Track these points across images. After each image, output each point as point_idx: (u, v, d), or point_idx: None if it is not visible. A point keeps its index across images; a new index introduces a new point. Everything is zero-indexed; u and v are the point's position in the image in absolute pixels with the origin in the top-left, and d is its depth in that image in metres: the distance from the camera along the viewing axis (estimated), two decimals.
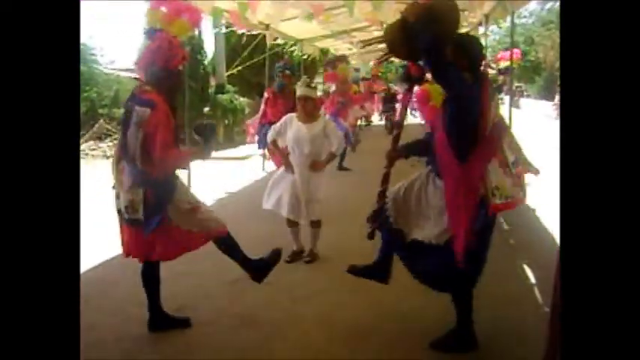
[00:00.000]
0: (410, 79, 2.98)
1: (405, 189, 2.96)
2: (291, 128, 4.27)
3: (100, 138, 13.12)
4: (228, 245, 3.16)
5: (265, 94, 6.73)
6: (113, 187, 3.03)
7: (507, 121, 5.91)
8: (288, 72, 6.32)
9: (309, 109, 4.28)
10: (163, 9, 3.14)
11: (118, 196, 2.96)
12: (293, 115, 4.40)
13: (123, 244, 3.03)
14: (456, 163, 2.65)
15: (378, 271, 3.13)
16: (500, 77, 7.34)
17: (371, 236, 3.03)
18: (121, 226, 3.02)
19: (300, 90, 4.33)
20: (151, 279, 3.10)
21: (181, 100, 5.47)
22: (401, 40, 2.77)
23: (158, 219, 2.85)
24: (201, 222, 3.02)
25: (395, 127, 3.04)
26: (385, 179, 2.98)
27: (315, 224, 4.38)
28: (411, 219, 2.91)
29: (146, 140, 2.75)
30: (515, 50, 6.31)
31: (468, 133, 2.63)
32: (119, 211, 2.96)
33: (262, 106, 6.70)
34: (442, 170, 2.76)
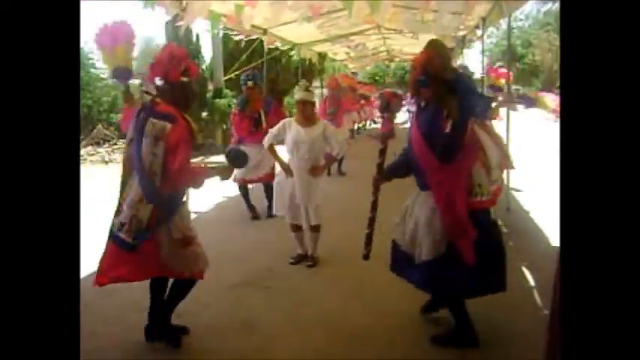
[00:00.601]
0: (389, 109, 3.04)
1: (402, 223, 3.04)
2: (290, 132, 4.27)
3: (98, 143, 13.11)
4: (183, 288, 3.02)
5: (233, 111, 6.41)
6: None
7: (505, 123, 5.95)
8: (250, 83, 5.95)
9: (308, 113, 4.28)
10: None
11: (117, 213, 2.82)
12: (291, 118, 4.40)
13: (102, 270, 2.80)
14: (439, 166, 2.73)
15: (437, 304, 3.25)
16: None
17: (366, 257, 3.06)
18: (106, 249, 2.82)
19: (298, 94, 4.34)
20: (159, 287, 3.04)
21: None
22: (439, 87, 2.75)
23: (148, 235, 2.74)
24: (185, 259, 2.86)
25: (379, 154, 3.01)
26: (374, 207, 3.02)
27: (315, 228, 4.38)
28: (414, 242, 2.95)
29: (165, 154, 2.66)
30: (503, 71, 6.23)
31: (457, 137, 2.70)
32: (111, 230, 2.81)
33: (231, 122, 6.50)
34: (426, 176, 2.82)
